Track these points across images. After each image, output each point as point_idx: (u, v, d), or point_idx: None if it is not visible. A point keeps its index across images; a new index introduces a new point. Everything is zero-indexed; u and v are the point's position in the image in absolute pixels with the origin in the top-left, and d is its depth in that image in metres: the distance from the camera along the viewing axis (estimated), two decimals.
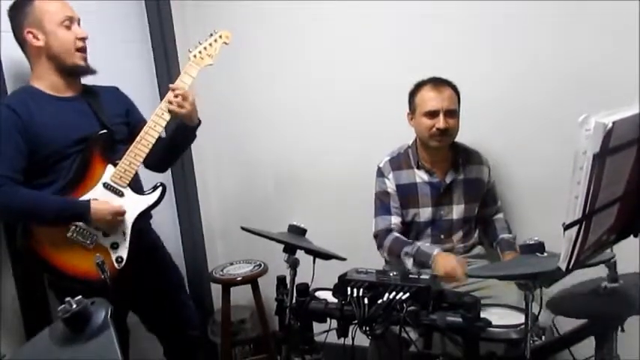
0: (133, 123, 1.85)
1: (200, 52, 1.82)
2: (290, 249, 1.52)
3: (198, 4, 2.58)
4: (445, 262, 1.83)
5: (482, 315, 1.26)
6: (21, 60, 1.71)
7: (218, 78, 2.60)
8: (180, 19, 2.62)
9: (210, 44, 1.84)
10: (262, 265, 2.47)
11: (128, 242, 1.70)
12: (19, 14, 1.65)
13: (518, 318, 1.32)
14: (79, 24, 1.70)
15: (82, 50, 1.69)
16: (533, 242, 1.29)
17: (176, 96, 1.76)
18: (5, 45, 1.76)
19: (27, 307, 1.83)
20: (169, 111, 1.75)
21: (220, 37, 1.86)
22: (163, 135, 1.86)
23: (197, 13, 2.57)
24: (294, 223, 1.61)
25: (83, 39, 1.69)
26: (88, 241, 1.65)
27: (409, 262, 1.92)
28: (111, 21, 2.33)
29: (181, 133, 1.87)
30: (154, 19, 2.55)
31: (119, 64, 2.27)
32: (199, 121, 1.88)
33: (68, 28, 1.66)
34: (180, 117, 1.79)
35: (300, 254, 1.53)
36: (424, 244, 1.95)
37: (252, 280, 2.43)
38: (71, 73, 1.70)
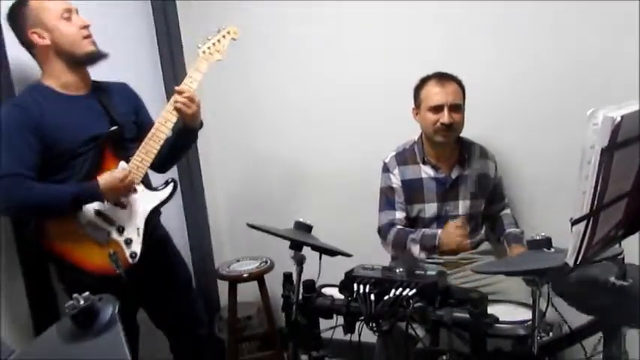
0: (142, 121, 1.85)
1: (209, 48, 1.82)
2: (296, 245, 1.52)
3: (203, 3, 2.57)
4: (450, 234, 1.87)
5: (490, 311, 1.26)
6: (26, 58, 1.72)
7: (225, 76, 2.60)
8: (185, 18, 2.63)
9: (219, 40, 1.84)
10: (268, 261, 2.48)
11: (142, 238, 1.71)
12: (18, 19, 1.65)
13: (526, 314, 1.31)
14: (77, 14, 1.70)
15: (89, 37, 1.69)
16: (540, 238, 1.28)
17: (180, 94, 1.75)
18: (10, 45, 1.77)
19: (35, 303, 1.84)
20: (176, 109, 1.75)
21: (228, 32, 1.85)
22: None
23: (203, 11, 2.57)
24: (300, 219, 1.61)
25: (86, 27, 1.69)
26: (102, 238, 1.66)
27: (416, 249, 1.91)
28: (117, 19, 2.34)
29: (183, 135, 1.87)
30: (159, 17, 2.56)
31: (125, 63, 2.27)
32: (201, 124, 1.88)
33: (69, 19, 1.66)
34: (184, 118, 1.78)
35: (306, 251, 1.53)
36: (428, 229, 1.96)
37: (258, 277, 2.43)
38: (84, 62, 1.70)
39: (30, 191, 1.57)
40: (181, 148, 1.94)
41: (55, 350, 0.87)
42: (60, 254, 1.65)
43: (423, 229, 1.96)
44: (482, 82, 2.08)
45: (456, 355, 1.41)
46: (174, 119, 1.75)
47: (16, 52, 1.76)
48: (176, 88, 1.77)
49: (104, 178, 1.63)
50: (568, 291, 1.26)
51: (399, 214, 2.02)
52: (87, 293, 0.86)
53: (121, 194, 1.68)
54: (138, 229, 1.71)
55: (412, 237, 1.94)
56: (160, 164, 1.90)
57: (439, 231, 1.92)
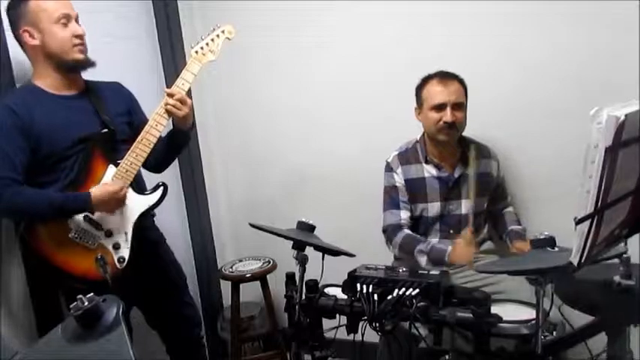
0: (136, 122, 1.83)
1: (202, 48, 1.79)
2: (299, 245, 1.52)
3: (205, 3, 2.57)
4: (460, 252, 1.84)
5: (493, 310, 1.26)
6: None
7: (225, 77, 2.60)
8: (187, 18, 2.63)
9: (213, 39, 1.80)
10: (271, 261, 2.48)
11: (130, 242, 1.70)
12: (15, 13, 1.64)
13: (529, 313, 1.31)
14: (77, 21, 1.68)
15: (80, 45, 1.67)
16: (543, 237, 1.28)
17: (171, 97, 1.73)
18: (13, 44, 1.77)
19: (38, 304, 1.84)
20: (167, 112, 1.73)
21: (223, 32, 1.82)
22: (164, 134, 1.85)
23: (204, 12, 2.58)
24: (303, 219, 1.61)
25: (80, 36, 1.67)
26: (90, 242, 1.65)
27: (423, 260, 1.91)
28: (118, 19, 2.34)
29: (175, 137, 1.86)
30: (160, 17, 2.56)
31: (126, 63, 2.28)
32: (193, 125, 1.87)
33: (65, 25, 1.64)
34: (175, 120, 1.77)
35: (309, 251, 1.53)
36: (437, 242, 1.94)
37: (261, 277, 2.43)
38: (71, 69, 1.69)
39: (18, 195, 1.56)
40: (174, 149, 1.92)
41: (60, 350, 0.87)
42: (47, 257, 1.63)
43: (432, 242, 1.94)
44: (485, 81, 2.08)
45: (459, 355, 1.41)
46: (164, 122, 1.73)
47: (18, 51, 1.77)
48: (166, 90, 1.75)
49: (97, 191, 1.62)
50: (571, 294, 1.26)
51: (404, 214, 2.01)
52: (91, 294, 0.87)
53: (112, 208, 1.67)
54: (126, 233, 1.70)
55: (420, 248, 1.92)
56: (155, 165, 1.90)
57: (449, 248, 1.89)
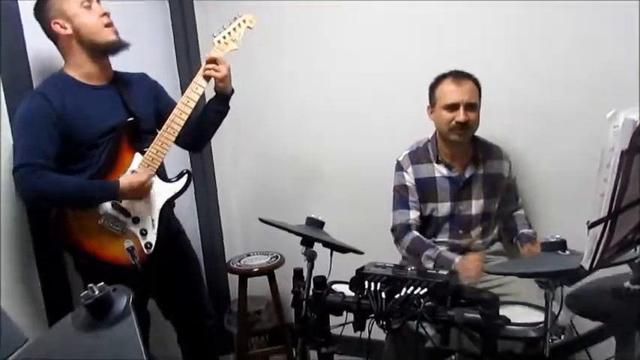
0: (163, 107, 1.86)
1: (224, 37, 1.83)
2: (307, 241, 1.51)
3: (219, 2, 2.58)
4: (466, 263, 1.82)
5: (501, 312, 1.25)
6: (45, 50, 1.74)
7: (237, 72, 2.59)
8: (202, 13, 2.63)
9: (234, 29, 1.84)
10: (279, 256, 2.48)
11: (156, 229, 1.74)
12: (42, 11, 1.67)
13: (538, 316, 1.30)
14: (98, 2, 1.71)
15: (110, 25, 1.70)
16: (554, 240, 1.27)
17: (210, 62, 1.79)
18: (29, 37, 1.79)
19: (49, 292, 1.87)
20: (205, 77, 1.78)
21: (244, 21, 1.85)
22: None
23: (218, 4, 2.58)
24: (312, 215, 1.61)
25: (106, 14, 1.70)
26: (118, 228, 1.68)
27: (429, 265, 1.90)
28: (134, 12, 2.34)
29: (215, 105, 1.88)
30: (176, 10, 2.57)
31: (141, 55, 2.27)
32: (232, 91, 1.89)
33: (89, 8, 1.68)
34: (215, 83, 1.82)
35: (317, 247, 1.53)
36: (445, 251, 1.93)
37: (268, 272, 2.44)
38: (106, 51, 1.72)
39: (44, 181, 1.58)
40: (212, 120, 1.92)
41: (70, 339, 0.88)
42: (77, 244, 1.67)
43: (440, 250, 1.92)
44: (497, 82, 2.07)
45: (466, 356, 1.40)
46: (189, 111, 1.76)
47: (34, 44, 1.78)
48: (206, 56, 1.81)
49: (125, 179, 1.66)
50: (580, 303, 1.25)
51: (414, 214, 2.01)
52: (102, 284, 0.87)
53: (138, 197, 1.71)
54: (153, 220, 1.74)
55: (428, 254, 1.91)
56: (193, 143, 1.96)
57: (456, 259, 1.87)
